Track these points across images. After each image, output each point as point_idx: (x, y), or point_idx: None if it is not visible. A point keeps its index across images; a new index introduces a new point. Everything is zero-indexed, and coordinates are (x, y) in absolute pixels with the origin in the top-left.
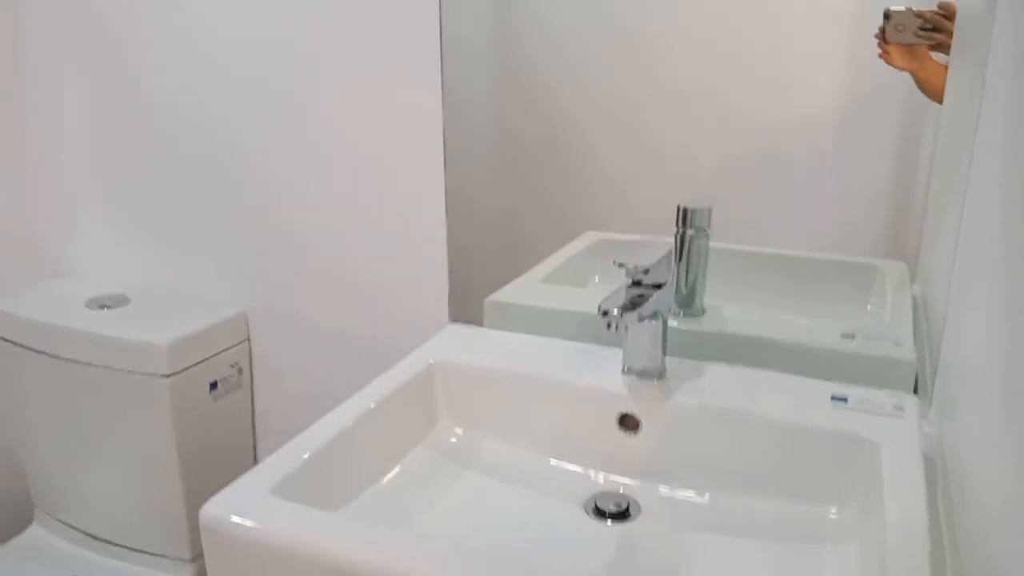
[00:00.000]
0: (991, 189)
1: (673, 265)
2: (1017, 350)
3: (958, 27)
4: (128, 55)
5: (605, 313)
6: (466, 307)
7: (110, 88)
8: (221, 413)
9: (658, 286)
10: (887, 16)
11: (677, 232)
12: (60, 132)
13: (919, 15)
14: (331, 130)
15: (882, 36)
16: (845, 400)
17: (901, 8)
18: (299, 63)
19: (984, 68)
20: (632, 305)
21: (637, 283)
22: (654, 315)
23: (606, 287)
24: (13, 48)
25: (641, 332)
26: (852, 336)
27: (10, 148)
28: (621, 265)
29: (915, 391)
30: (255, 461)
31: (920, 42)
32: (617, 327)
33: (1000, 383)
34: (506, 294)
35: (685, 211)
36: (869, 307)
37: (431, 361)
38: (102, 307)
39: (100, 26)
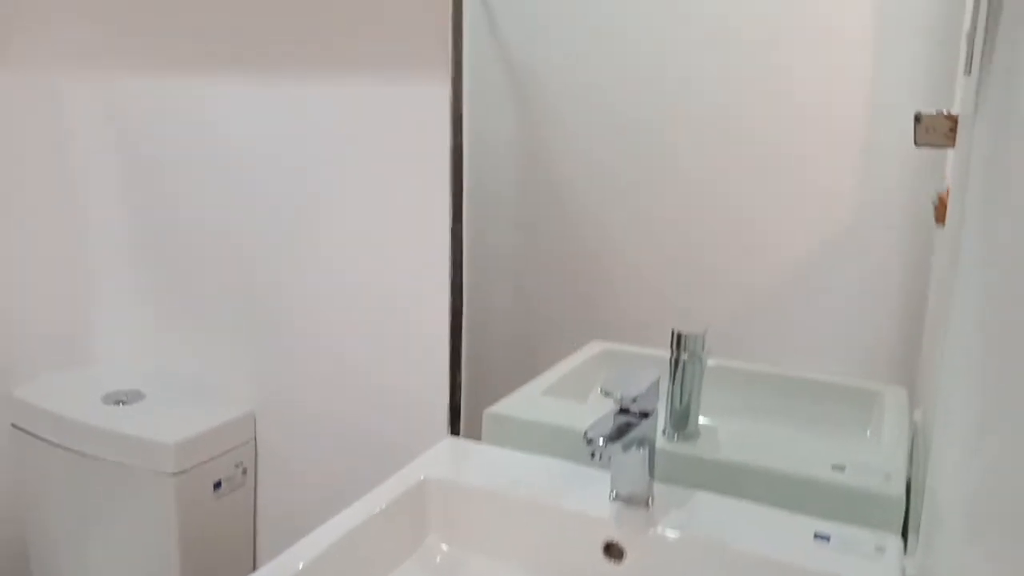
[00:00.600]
0: (969, 314)
1: (667, 387)
2: (979, 479)
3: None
4: (164, 172)
5: (590, 441)
6: (469, 414)
7: (143, 198)
8: (223, 511)
9: (646, 414)
10: (918, 119)
11: (672, 356)
12: (92, 232)
13: (949, 117)
14: (344, 246)
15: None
16: (828, 539)
17: (932, 111)
18: (317, 183)
19: (965, 184)
20: (618, 433)
21: (625, 410)
22: (641, 443)
23: (605, 402)
24: (56, 152)
25: (627, 460)
26: (843, 468)
27: (43, 244)
28: (608, 394)
29: (906, 525)
30: (255, 559)
31: (950, 144)
32: (601, 456)
33: (964, 515)
34: (505, 406)
35: (679, 336)
36: (868, 433)
37: (422, 477)
38: (118, 403)
39: (142, 145)
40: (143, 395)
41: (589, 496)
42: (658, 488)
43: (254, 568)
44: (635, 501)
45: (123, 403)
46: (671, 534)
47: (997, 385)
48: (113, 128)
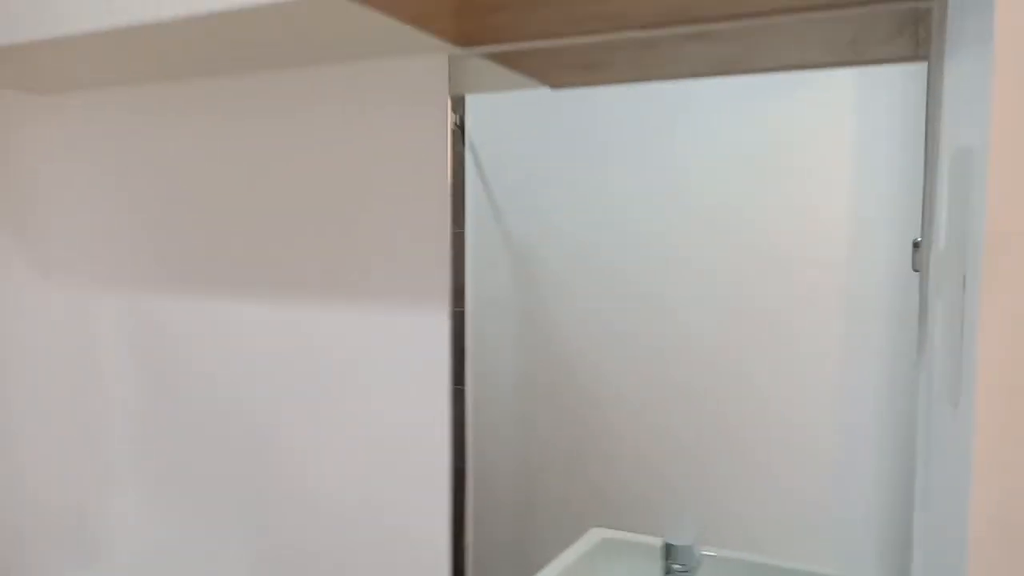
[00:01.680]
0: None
1: None
2: None
3: None
4: (177, 373)
5: None
6: None
7: (155, 395)
8: None
9: None
10: (915, 245)
11: (662, 566)
12: (106, 424)
13: None
14: (346, 432)
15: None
16: None
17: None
18: (321, 370)
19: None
20: None
21: None
22: None
23: None
24: (82, 355)
25: None
26: None
27: (62, 437)
28: None
29: None
30: None
31: None
32: None
33: None
34: None
35: (669, 547)
36: None
37: None
38: None
39: (157, 333)
40: None
41: None
42: None
43: None
44: None
45: None
46: None
47: None
48: (131, 338)
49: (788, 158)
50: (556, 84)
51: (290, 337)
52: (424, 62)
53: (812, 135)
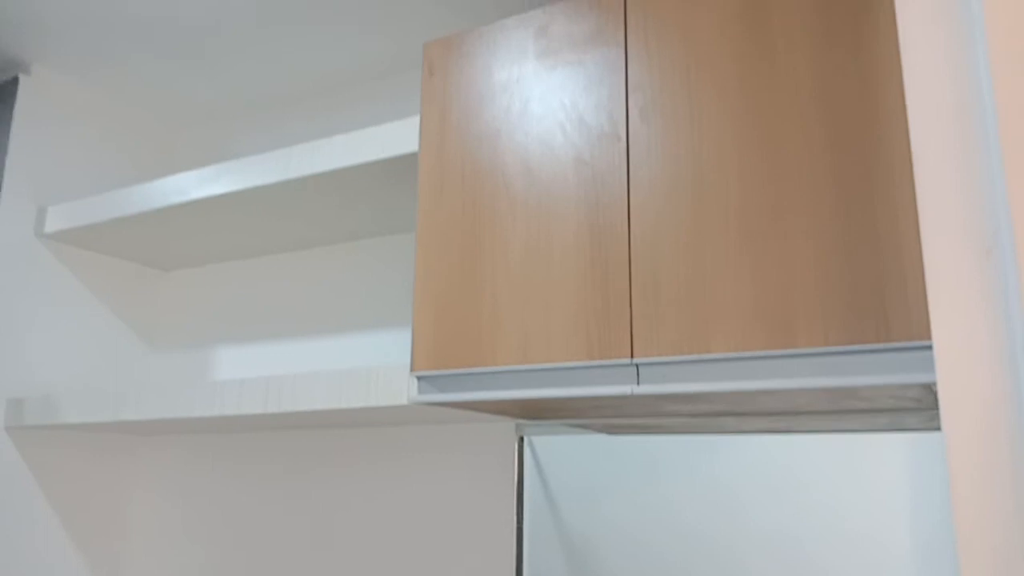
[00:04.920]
0: None
1: None
2: None
3: None
4: None
5: None
6: None
7: None
8: None
9: None
10: None
11: None
12: None
13: None
14: None
15: None
16: None
17: None
18: None
19: None
20: None
21: None
22: None
23: None
24: None
25: None
26: None
27: None
28: None
29: None
30: None
31: None
32: None
33: None
34: None
35: None
36: None
37: None
38: None
39: None
40: None
41: None
42: None
43: None
44: None
45: None
46: None
47: None
48: None
49: (846, 487)
50: (614, 432)
51: None
52: (493, 425)
53: (868, 463)
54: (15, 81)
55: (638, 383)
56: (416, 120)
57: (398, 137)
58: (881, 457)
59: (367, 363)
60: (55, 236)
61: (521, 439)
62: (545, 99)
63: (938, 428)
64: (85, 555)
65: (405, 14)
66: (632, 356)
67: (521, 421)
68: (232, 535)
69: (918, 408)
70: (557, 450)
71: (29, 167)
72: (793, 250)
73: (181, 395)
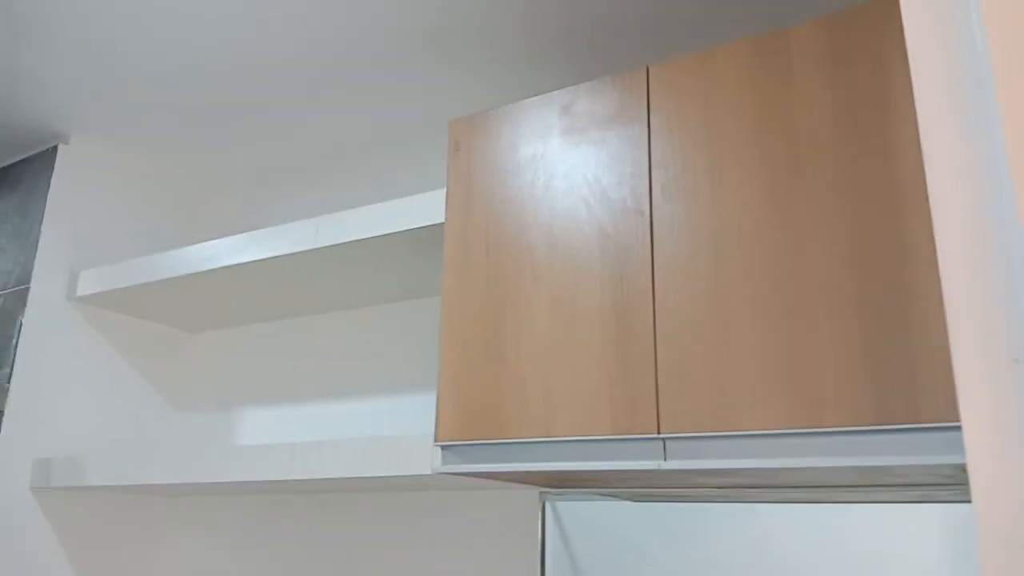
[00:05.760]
0: None
1: None
2: None
3: None
4: None
5: None
6: None
7: None
8: None
9: None
10: None
11: None
12: None
13: None
14: None
15: None
16: None
17: None
18: None
19: None
20: None
21: None
22: None
23: None
24: None
25: None
26: None
27: None
28: None
29: None
30: None
31: None
32: None
33: None
34: None
35: None
36: None
37: None
38: None
39: None
40: None
41: None
42: None
43: None
44: None
45: None
46: None
47: None
48: None
49: (877, 557)
50: (639, 500)
51: None
52: (516, 491)
53: (899, 533)
54: (54, 150)
55: (665, 458)
56: (442, 192)
57: (424, 208)
58: (913, 527)
59: (390, 427)
60: (86, 299)
61: (544, 505)
62: (569, 175)
63: (970, 500)
64: None
65: (428, 89)
66: (659, 431)
67: (545, 489)
68: None
69: (951, 483)
70: (581, 517)
71: (63, 232)
72: (817, 328)
73: (207, 459)
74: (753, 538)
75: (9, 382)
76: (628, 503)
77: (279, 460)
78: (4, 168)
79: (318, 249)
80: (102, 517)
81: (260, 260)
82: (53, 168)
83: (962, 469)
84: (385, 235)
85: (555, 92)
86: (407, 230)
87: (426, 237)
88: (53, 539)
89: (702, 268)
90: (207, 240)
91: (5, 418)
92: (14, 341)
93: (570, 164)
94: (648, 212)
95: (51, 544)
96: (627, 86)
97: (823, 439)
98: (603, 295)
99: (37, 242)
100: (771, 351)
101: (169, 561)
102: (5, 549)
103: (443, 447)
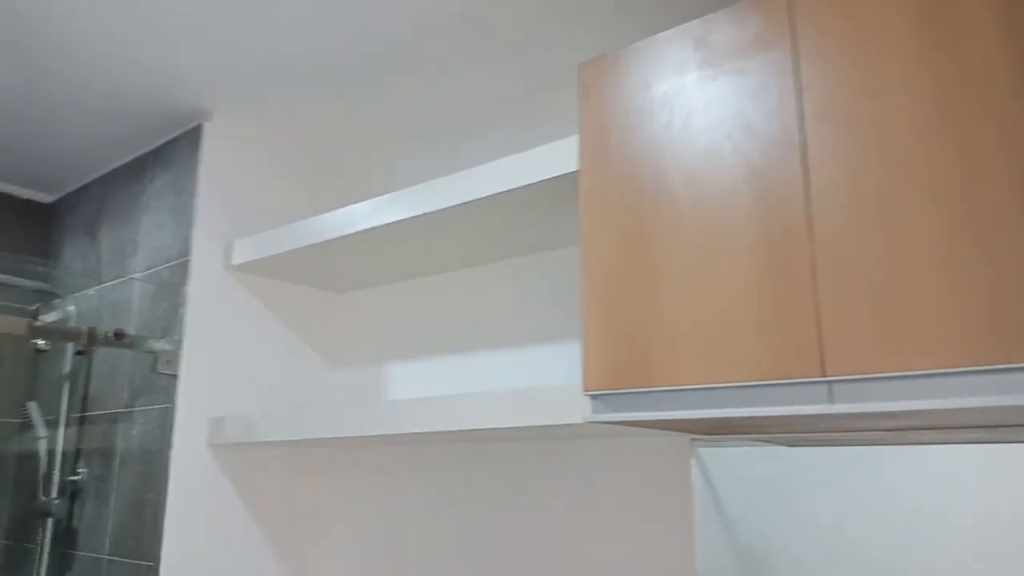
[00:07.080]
0: None
1: None
2: None
3: None
4: None
5: None
6: None
7: None
8: None
9: None
10: None
11: None
12: None
13: None
14: None
15: None
16: None
17: None
18: None
19: None
20: None
21: None
22: None
23: None
24: None
25: None
26: None
27: None
28: None
29: None
30: None
31: None
32: None
33: None
34: None
35: None
36: None
37: None
38: None
39: None
40: None
41: None
42: None
43: None
44: None
45: None
46: None
47: None
48: None
49: None
50: (794, 444)
51: None
52: (668, 438)
53: None
54: (199, 128)
55: (832, 402)
56: (574, 140)
57: (557, 158)
58: None
59: (533, 377)
60: (242, 267)
61: (697, 451)
62: (709, 110)
63: None
64: (279, 559)
65: (555, 36)
66: (824, 373)
67: (697, 436)
68: (410, 541)
69: None
70: (734, 463)
71: (215, 205)
72: (997, 260)
73: (365, 414)
74: (920, 482)
75: (181, 348)
76: (783, 448)
77: (432, 413)
78: (156, 149)
79: (454, 207)
80: (269, 468)
81: (399, 221)
82: (200, 145)
83: None
84: (520, 187)
85: (688, 23)
86: (541, 180)
87: (563, 186)
88: (229, 487)
89: (864, 196)
90: (350, 204)
91: (180, 382)
92: (181, 310)
93: (709, 99)
94: (799, 141)
95: (228, 491)
96: (767, 10)
97: (1008, 376)
98: (753, 233)
99: (192, 216)
100: (949, 283)
101: (328, 506)
102: (190, 497)
103: (593, 396)
